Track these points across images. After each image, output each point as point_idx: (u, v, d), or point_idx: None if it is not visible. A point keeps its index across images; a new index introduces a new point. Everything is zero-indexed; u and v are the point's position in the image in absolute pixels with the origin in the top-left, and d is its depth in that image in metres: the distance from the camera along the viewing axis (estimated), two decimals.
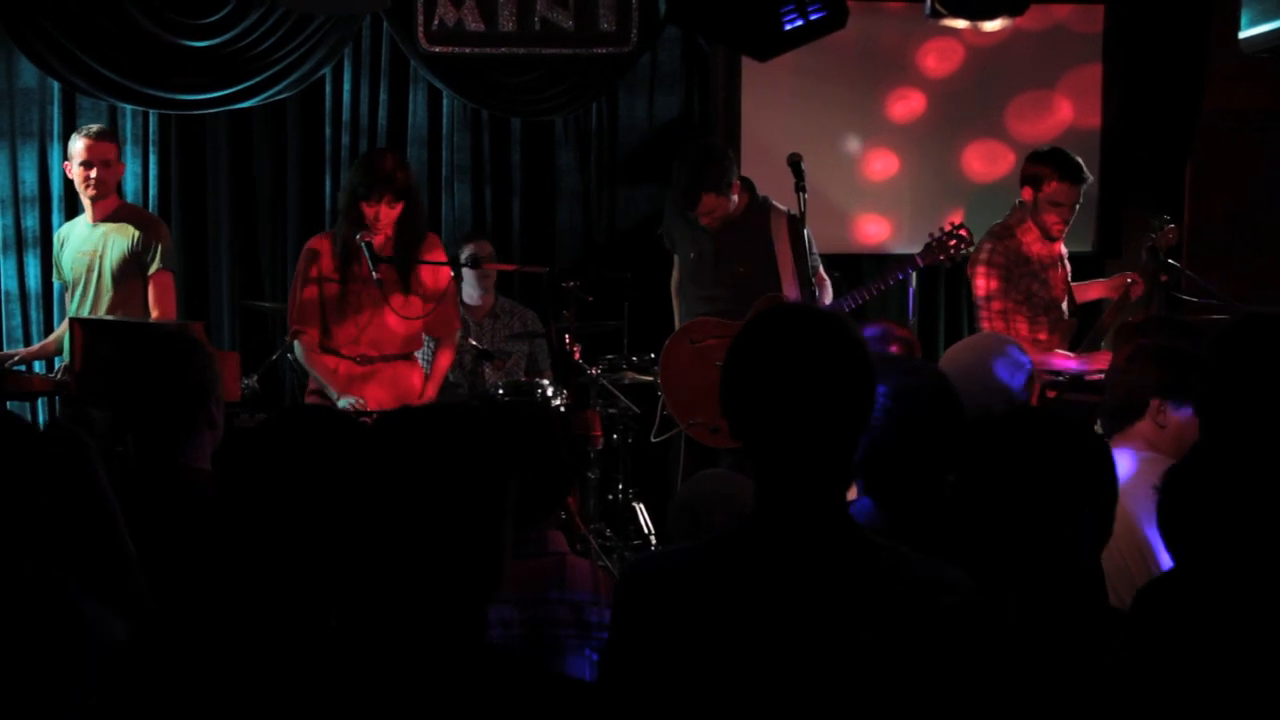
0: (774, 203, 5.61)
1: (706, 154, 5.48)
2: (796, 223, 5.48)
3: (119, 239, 5.43)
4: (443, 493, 1.85)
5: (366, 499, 1.87)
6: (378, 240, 4.92)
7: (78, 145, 5.44)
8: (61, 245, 5.62)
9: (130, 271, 5.42)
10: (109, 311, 5.41)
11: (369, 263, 4.86)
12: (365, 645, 1.82)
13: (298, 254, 6.50)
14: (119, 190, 5.73)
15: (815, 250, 5.54)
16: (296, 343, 5.06)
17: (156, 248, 5.42)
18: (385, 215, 4.90)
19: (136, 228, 5.43)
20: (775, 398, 1.84)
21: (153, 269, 5.42)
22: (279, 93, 6.30)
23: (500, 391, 5.30)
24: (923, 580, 1.83)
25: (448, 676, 1.80)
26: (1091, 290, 5.70)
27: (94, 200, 5.47)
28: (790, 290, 5.42)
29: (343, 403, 4.84)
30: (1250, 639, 1.81)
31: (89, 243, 5.48)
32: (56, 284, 6.19)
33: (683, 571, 1.87)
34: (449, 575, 1.83)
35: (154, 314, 5.43)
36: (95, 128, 5.55)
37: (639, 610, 1.88)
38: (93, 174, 5.40)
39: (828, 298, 5.55)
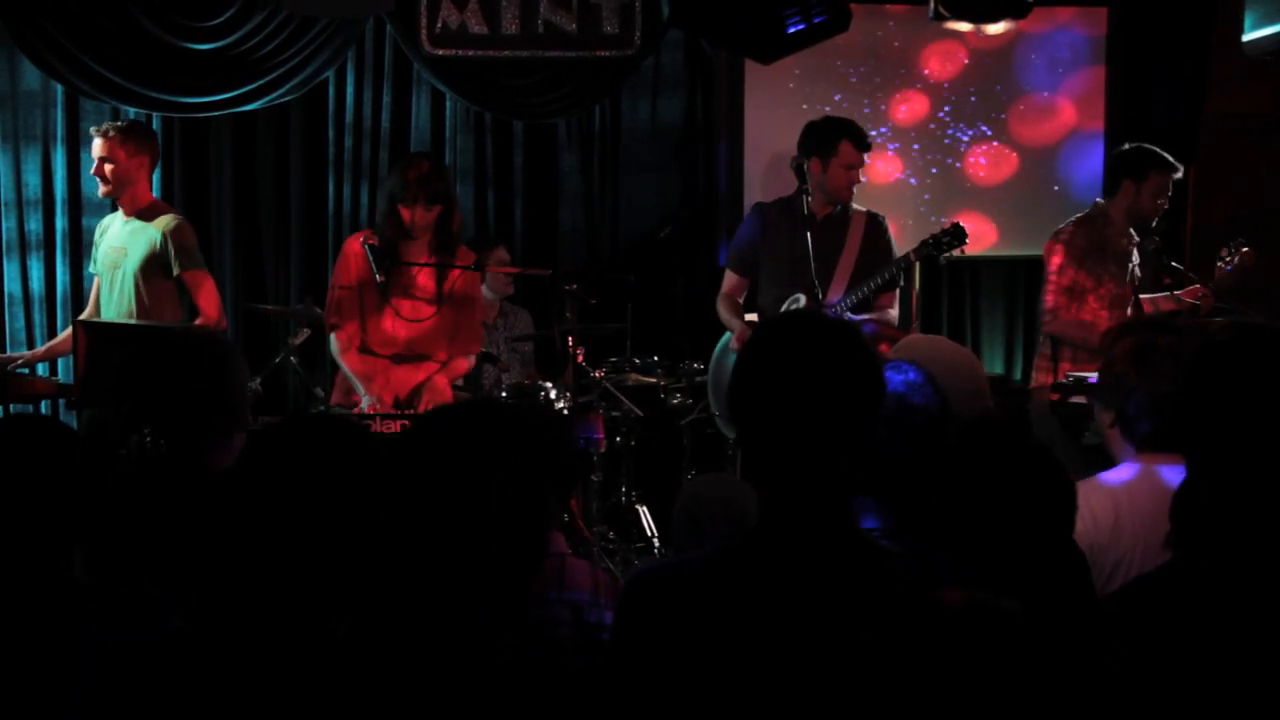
0: (854, 205, 5.52)
1: (843, 119, 5.44)
2: (876, 222, 5.48)
3: (141, 239, 5.37)
4: (478, 492, 1.88)
5: (387, 505, 1.89)
6: (418, 245, 4.92)
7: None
8: (101, 235, 5.58)
9: (153, 273, 5.36)
10: (138, 313, 5.38)
11: (373, 265, 4.85)
12: (380, 655, 1.83)
13: (301, 257, 6.58)
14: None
15: (895, 254, 5.46)
16: (332, 336, 5.04)
17: (172, 249, 5.34)
18: (421, 219, 4.90)
19: (158, 228, 5.38)
20: (781, 405, 1.84)
21: (176, 270, 5.36)
22: (282, 95, 6.31)
23: (503, 394, 5.30)
24: (925, 586, 1.82)
25: (460, 681, 1.81)
26: (1161, 305, 5.65)
27: (108, 196, 5.47)
28: (836, 290, 5.33)
29: (365, 401, 4.85)
30: (1234, 637, 1.81)
31: (119, 239, 5.44)
32: (48, 281, 6.18)
33: (689, 581, 1.86)
34: (488, 571, 1.86)
35: (201, 314, 5.39)
36: (105, 125, 5.53)
37: (645, 620, 1.86)
38: (94, 170, 5.41)
39: (892, 310, 5.49)
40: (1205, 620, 1.83)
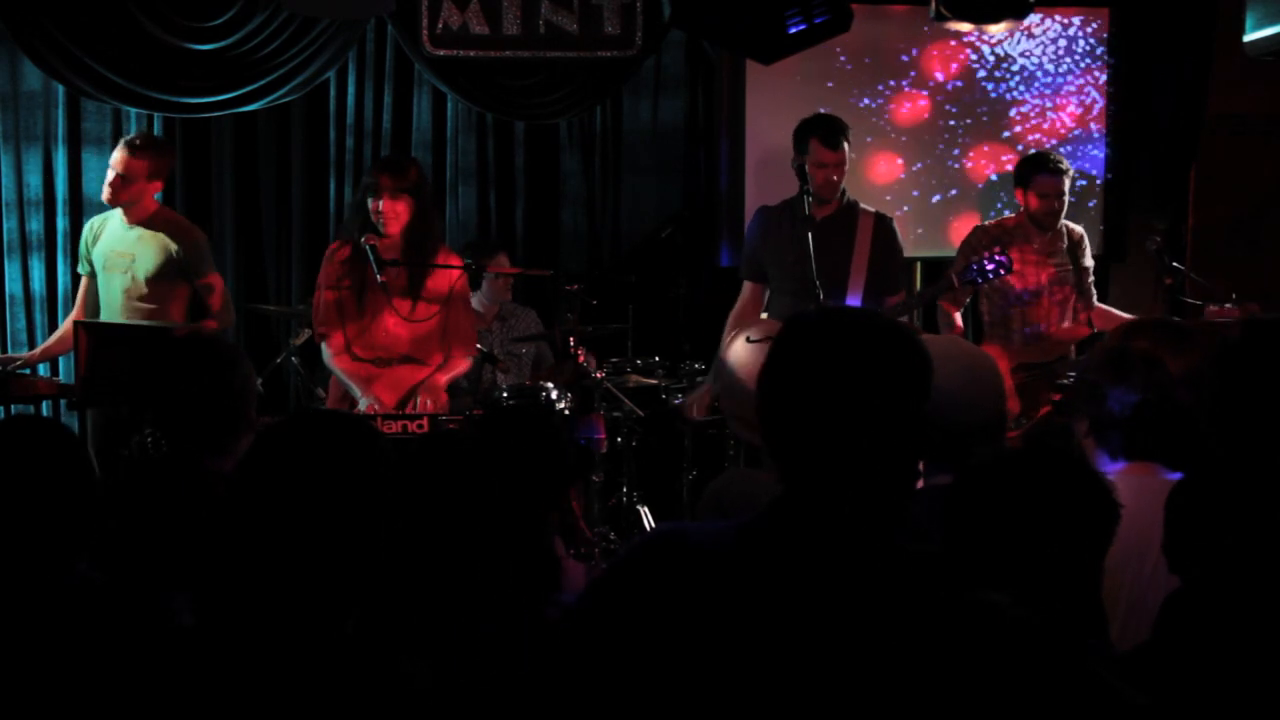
0: (862, 205, 5.49)
1: (818, 117, 5.43)
2: (884, 224, 5.43)
3: (151, 248, 5.37)
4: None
5: (397, 506, 1.90)
6: (386, 240, 4.90)
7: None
8: (95, 238, 5.53)
9: (169, 278, 5.39)
10: (151, 315, 5.37)
11: (373, 266, 4.85)
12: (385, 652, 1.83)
13: (302, 258, 6.57)
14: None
15: (902, 255, 5.53)
16: (324, 345, 5.02)
17: (200, 257, 5.42)
18: (389, 209, 4.85)
19: (173, 239, 5.38)
20: (823, 401, 1.76)
21: (200, 277, 5.43)
22: (283, 96, 6.30)
23: (504, 394, 5.29)
24: (942, 589, 1.81)
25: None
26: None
27: (111, 203, 5.46)
28: (855, 291, 5.29)
29: (363, 403, 4.84)
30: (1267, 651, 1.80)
31: (124, 244, 5.42)
32: (49, 281, 6.17)
33: (698, 547, 1.82)
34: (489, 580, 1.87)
35: (215, 316, 5.44)
36: (133, 137, 5.49)
37: (654, 573, 1.81)
38: (109, 180, 5.37)
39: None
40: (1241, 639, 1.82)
